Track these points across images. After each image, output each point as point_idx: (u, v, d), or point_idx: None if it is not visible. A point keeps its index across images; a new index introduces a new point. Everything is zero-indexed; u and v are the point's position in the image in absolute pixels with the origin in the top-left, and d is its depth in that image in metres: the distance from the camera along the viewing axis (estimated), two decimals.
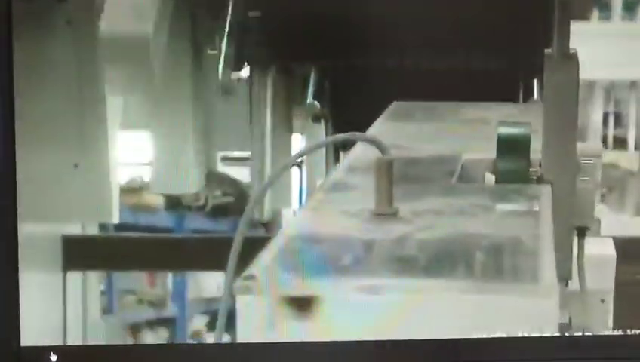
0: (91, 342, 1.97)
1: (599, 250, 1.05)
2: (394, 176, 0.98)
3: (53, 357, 0.86)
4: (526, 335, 0.87)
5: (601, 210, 2.22)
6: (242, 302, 0.79)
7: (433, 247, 0.85)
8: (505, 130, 1.06)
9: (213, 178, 1.77)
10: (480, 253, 0.84)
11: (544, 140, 0.99)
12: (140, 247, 1.78)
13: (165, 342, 0.86)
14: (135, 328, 2.20)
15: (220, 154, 1.79)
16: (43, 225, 1.69)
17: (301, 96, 1.59)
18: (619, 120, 2.31)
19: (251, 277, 0.80)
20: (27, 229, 1.67)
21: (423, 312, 0.77)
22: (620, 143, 2.33)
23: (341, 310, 0.78)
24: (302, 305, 0.78)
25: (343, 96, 1.54)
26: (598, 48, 1.95)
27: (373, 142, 0.97)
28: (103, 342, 2.06)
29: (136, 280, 2.23)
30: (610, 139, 2.34)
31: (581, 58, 1.76)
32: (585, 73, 2.29)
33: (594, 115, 2.32)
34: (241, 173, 1.78)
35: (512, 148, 1.05)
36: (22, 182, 1.43)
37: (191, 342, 0.81)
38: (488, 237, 0.87)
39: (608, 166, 2.37)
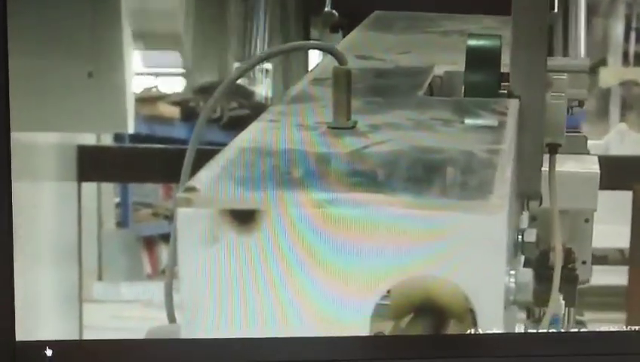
0: (105, 252, 1.98)
1: (583, 167, 1.03)
2: (361, 89, 0.95)
3: (49, 352, 0.85)
4: (522, 331, 0.87)
5: (620, 129, 2.20)
6: (182, 216, 0.76)
7: (386, 162, 0.83)
8: (474, 42, 1.02)
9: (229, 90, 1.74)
10: (433, 168, 0.82)
11: (512, 53, 0.96)
12: (156, 159, 1.76)
13: (164, 338, 0.84)
14: (150, 241, 2.20)
15: (236, 65, 1.77)
16: (57, 134, 1.68)
17: (318, 4, 1.57)
18: None
19: (192, 189, 0.77)
20: (41, 139, 1.67)
21: (367, 227, 0.76)
22: None
23: (285, 224, 0.76)
24: (245, 219, 0.75)
25: (362, 5, 1.51)
26: None
27: (330, 51, 0.93)
28: (117, 253, 2.07)
29: (151, 192, 2.23)
30: (631, 56, 2.31)
31: None
32: None
33: (615, 30, 2.28)
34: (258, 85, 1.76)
35: (481, 60, 1.01)
36: (34, 91, 1.42)
37: (191, 338, 0.79)
38: (444, 152, 0.85)
39: (629, 83, 2.34)
